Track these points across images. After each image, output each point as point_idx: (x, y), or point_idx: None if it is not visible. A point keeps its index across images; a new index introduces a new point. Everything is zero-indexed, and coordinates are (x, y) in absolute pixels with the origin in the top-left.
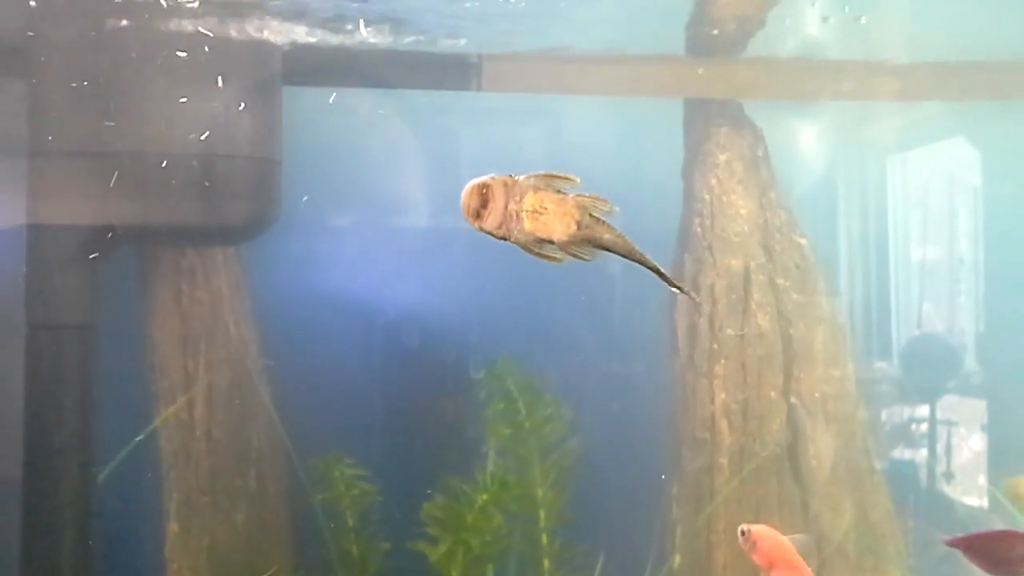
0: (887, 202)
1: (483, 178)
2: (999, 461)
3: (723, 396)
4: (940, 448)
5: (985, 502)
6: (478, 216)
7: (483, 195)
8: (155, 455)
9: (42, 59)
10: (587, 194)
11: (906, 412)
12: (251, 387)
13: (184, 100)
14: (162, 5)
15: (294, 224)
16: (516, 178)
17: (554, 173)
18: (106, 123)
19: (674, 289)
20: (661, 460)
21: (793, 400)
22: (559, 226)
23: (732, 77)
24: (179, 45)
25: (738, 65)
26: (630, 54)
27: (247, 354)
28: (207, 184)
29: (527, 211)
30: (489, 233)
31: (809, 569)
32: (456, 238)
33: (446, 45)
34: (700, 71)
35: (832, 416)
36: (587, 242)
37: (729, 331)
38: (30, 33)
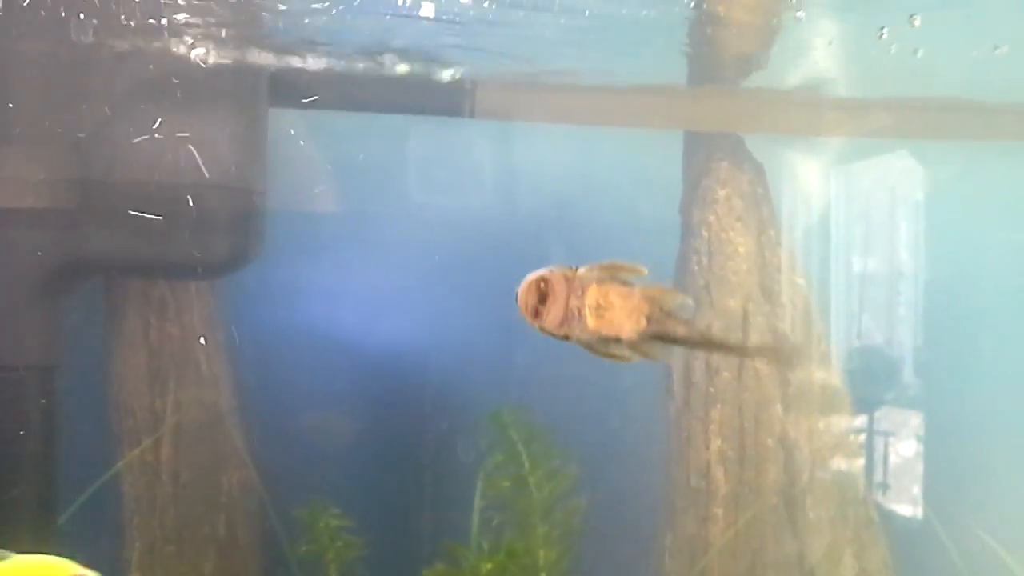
0: (829, 213)
1: (541, 271)
2: (935, 473)
3: (719, 443)
4: (877, 459)
5: (919, 512)
6: (537, 314)
7: (541, 290)
8: (118, 500)
9: (7, 79)
10: (655, 285)
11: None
12: (223, 428)
13: (159, 125)
14: (132, 25)
15: (275, 255)
16: (577, 270)
17: (619, 264)
18: (74, 149)
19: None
20: (655, 509)
21: (790, 448)
22: (627, 323)
23: (729, 108)
24: (155, 66)
25: (737, 97)
26: (629, 84)
27: (219, 393)
28: (182, 216)
29: (590, 307)
30: (549, 333)
31: None
32: (449, 272)
33: (438, 71)
34: (699, 103)
35: (830, 465)
36: (658, 338)
37: (726, 374)
38: None
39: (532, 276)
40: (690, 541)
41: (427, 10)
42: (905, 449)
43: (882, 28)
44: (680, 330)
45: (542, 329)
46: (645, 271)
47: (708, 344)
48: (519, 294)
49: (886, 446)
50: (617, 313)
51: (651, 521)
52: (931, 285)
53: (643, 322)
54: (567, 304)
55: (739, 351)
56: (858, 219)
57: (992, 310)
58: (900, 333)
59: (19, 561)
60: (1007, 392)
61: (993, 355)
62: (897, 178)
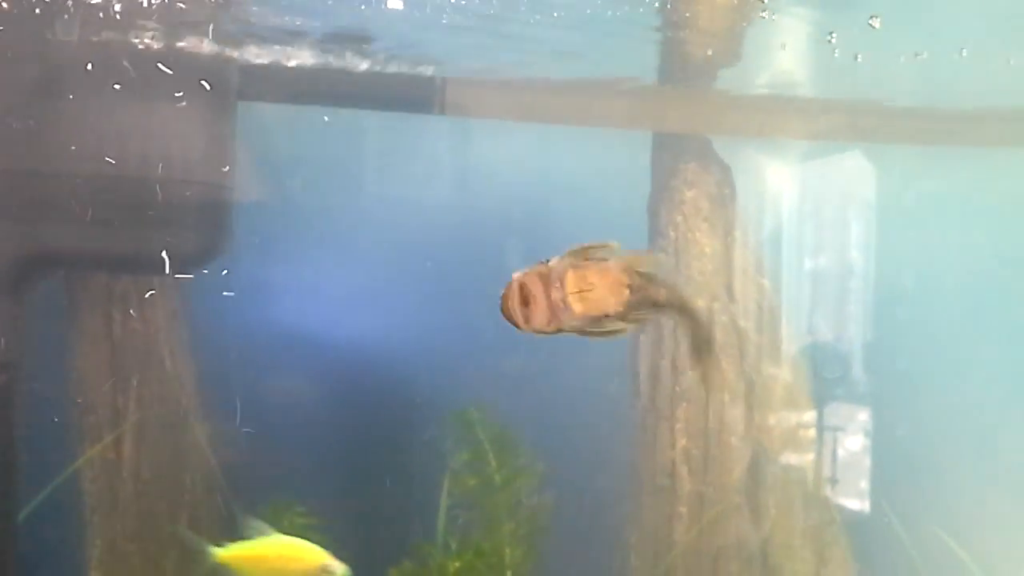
0: (782, 211)
1: (516, 276)
2: (883, 467)
3: (684, 442)
4: (826, 454)
5: (867, 506)
6: (523, 319)
7: (522, 295)
8: (78, 498)
9: None
10: (629, 252)
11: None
12: (186, 425)
13: (125, 118)
14: (101, 16)
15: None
16: (550, 264)
17: (589, 244)
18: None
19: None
20: (621, 507)
21: (754, 446)
22: (611, 297)
23: (697, 109)
24: (121, 59)
25: (706, 97)
26: (599, 84)
27: (183, 390)
28: (147, 210)
29: (572, 294)
30: (541, 332)
31: None
32: (417, 269)
33: (408, 67)
34: (668, 104)
35: (793, 464)
36: (643, 304)
37: (691, 373)
38: None
39: (510, 286)
40: (655, 539)
41: (395, 4)
42: (863, 446)
43: (831, 33)
44: (661, 293)
45: (533, 331)
46: (616, 245)
47: (685, 309)
48: (502, 306)
49: (847, 444)
50: (600, 291)
51: (617, 520)
52: (890, 284)
53: (626, 293)
54: (549, 300)
55: (697, 321)
56: (822, 220)
57: (947, 309)
58: (861, 330)
59: (279, 538)
60: (961, 388)
61: (949, 352)
62: (858, 179)
